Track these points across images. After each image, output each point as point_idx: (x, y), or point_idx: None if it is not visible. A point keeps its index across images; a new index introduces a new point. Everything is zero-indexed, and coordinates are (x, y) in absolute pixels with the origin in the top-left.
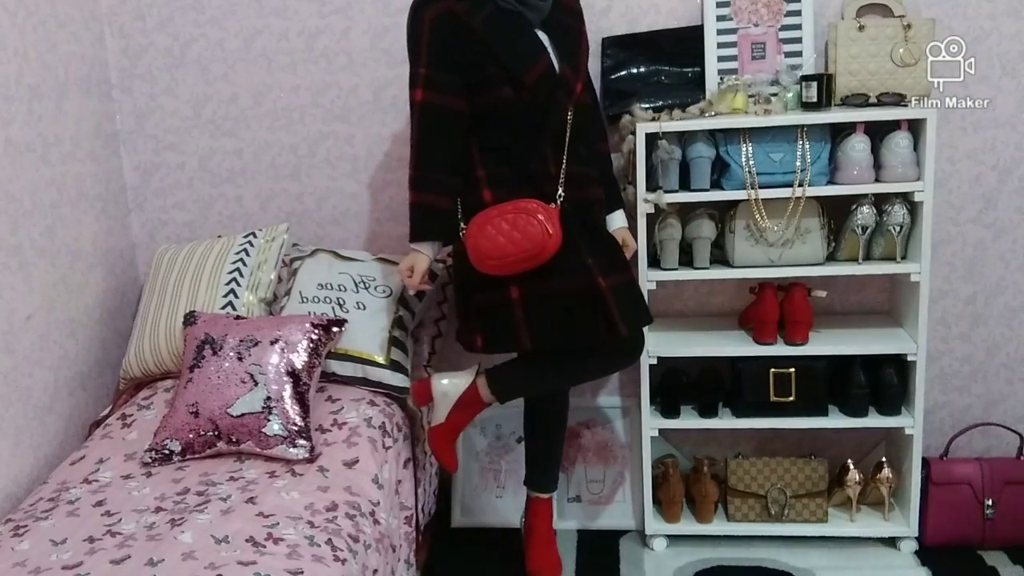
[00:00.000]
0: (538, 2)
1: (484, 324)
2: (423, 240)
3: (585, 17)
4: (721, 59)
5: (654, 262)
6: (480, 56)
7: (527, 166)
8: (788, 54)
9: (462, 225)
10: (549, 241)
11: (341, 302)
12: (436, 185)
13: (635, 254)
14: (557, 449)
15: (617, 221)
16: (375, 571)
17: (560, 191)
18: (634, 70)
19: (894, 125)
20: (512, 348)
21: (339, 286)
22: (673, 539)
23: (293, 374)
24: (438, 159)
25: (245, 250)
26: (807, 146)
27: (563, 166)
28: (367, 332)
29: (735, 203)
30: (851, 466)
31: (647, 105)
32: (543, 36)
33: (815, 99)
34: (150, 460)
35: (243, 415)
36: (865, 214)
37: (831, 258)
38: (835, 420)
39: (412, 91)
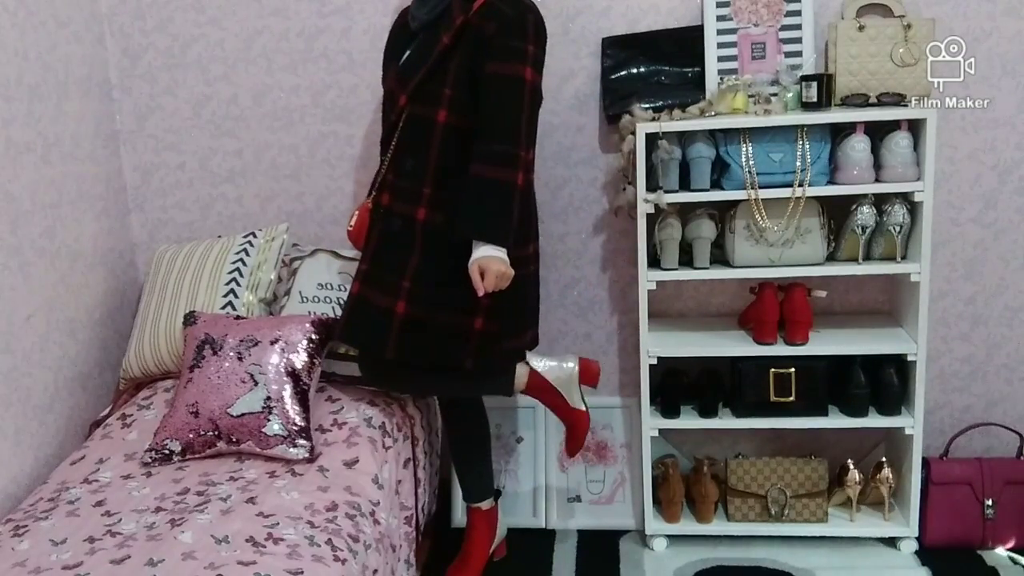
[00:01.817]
0: (420, 13)
1: None
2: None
3: (502, 23)
4: (721, 59)
5: (654, 262)
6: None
7: (381, 165)
8: (788, 54)
9: None
10: (349, 233)
11: (341, 302)
12: (379, 161)
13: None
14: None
15: (473, 252)
16: (375, 571)
17: (374, 195)
18: (634, 70)
19: (894, 125)
20: None
21: (339, 286)
22: (673, 539)
23: (293, 374)
24: (381, 140)
25: (245, 250)
26: (807, 146)
27: (383, 172)
28: None
29: (735, 203)
30: (851, 466)
31: (647, 105)
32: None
33: (815, 99)
34: (150, 460)
35: (243, 415)
36: (865, 214)
37: (831, 258)
38: (835, 420)
39: None
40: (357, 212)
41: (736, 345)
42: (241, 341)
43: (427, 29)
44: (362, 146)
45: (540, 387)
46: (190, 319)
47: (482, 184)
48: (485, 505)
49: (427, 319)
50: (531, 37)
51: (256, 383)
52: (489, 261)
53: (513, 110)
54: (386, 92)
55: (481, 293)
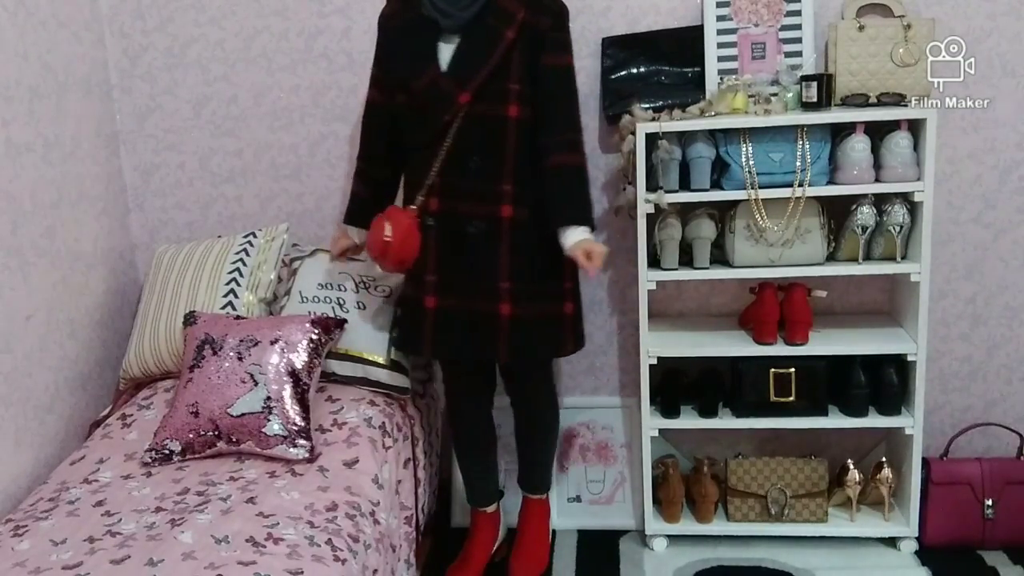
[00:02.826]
0: (455, 11)
1: None
2: (348, 223)
3: (556, 19)
4: (721, 59)
5: (654, 262)
6: (388, 61)
7: (411, 172)
8: (788, 54)
9: None
10: (388, 248)
11: (341, 302)
12: (363, 176)
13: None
14: (546, 454)
15: (570, 238)
16: (375, 571)
17: (420, 200)
18: (634, 70)
19: (894, 125)
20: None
21: (339, 286)
22: (673, 539)
23: (293, 374)
24: (369, 152)
25: (245, 250)
26: (807, 146)
27: (433, 176)
28: (367, 332)
29: (735, 203)
30: (851, 466)
31: (647, 105)
32: (452, 43)
33: (815, 99)
34: (150, 460)
35: (243, 415)
36: (865, 214)
37: (831, 258)
38: (835, 420)
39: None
40: (389, 223)
41: (736, 345)
42: (241, 341)
43: (470, 25)
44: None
45: (547, 512)
46: (190, 319)
47: (566, 172)
48: (490, 508)
49: (531, 315)
50: (568, 29)
51: (256, 383)
52: (591, 243)
53: (572, 99)
54: (420, 93)
55: (593, 275)
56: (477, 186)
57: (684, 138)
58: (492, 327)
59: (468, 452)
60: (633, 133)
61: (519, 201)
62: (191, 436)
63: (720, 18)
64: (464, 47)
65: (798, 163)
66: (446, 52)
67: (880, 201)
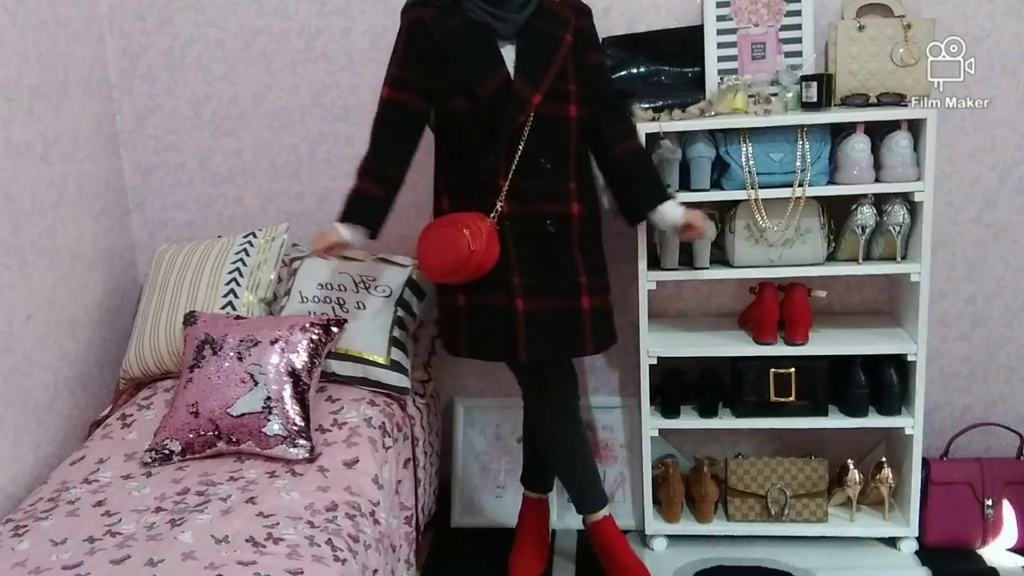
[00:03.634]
0: (511, 15)
1: (443, 325)
2: (347, 222)
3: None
4: (721, 59)
5: (654, 262)
6: (440, 65)
7: (474, 178)
8: (788, 54)
9: None
10: (472, 257)
11: (341, 302)
12: (378, 176)
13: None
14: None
15: (672, 212)
16: (375, 571)
17: (499, 205)
18: (634, 70)
19: (894, 125)
20: (455, 352)
21: (339, 286)
22: (673, 539)
23: (293, 374)
24: (388, 152)
25: (245, 250)
26: (807, 146)
27: (509, 178)
28: (367, 332)
29: (735, 203)
30: (851, 466)
31: (647, 105)
32: (511, 47)
33: (815, 99)
34: (150, 460)
35: (243, 415)
36: (865, 214)
37: (831, 258)
38: (835, 420)
39: (382, 87)
40: (468, 231)
41: (736, 345)
42: (241, 341)
43: (524, 29)
44: (362, 146)
45: (547, 512)
46: (190, 319)
47: (640, 156)
48: (604, 512)
49: (599, 306)
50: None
51: (256, 383)
52: (692, 211)
53: (615, 92)
54: (487, 97)
55: (706, 237)
56: (549, 186)
57: (684, 138)
58: (577, 322)
59: (570, 448)
60: None
61: (582, 198)
62: (191, 436)
63: (720, 18)
64: (527, 50)
65: (798, 163)
66: (507, 55)
67: (880, 201)
